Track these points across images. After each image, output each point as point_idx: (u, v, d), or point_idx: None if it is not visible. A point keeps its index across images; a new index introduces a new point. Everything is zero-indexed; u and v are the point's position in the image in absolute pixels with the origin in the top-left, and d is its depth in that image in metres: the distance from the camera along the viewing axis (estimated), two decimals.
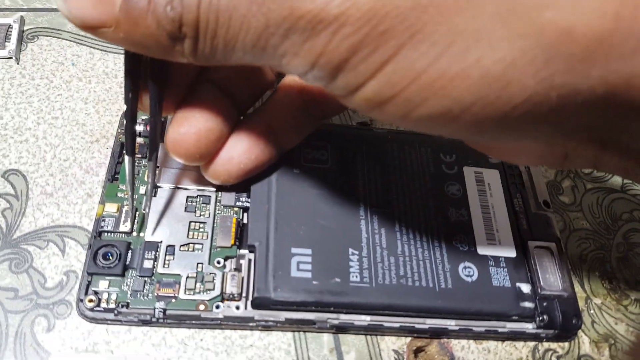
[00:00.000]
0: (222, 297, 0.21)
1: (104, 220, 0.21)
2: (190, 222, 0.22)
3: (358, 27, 0.13)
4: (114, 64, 0.28)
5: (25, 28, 0.29)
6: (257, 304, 0.21)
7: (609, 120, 0.14)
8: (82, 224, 0.23)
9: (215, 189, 0.23)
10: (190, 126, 0.19)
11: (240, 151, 0.21)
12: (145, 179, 0.23)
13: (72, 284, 0.21)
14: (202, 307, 0.20)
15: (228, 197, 0.23)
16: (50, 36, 0.29)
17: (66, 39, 0.29)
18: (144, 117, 0.25)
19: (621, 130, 0.15)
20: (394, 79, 0.13)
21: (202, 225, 0.22)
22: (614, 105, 0.14)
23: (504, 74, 0.13)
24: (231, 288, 0.21)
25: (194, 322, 0.21)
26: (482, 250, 0.24)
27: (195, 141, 0.19)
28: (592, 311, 0.25)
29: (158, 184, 0.23)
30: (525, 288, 0.23)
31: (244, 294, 0.21)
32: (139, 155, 0.23)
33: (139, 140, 0.24)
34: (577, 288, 0.26)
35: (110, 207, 0.22)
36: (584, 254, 0.27)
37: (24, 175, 0.24)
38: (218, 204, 0.23)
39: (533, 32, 0.12)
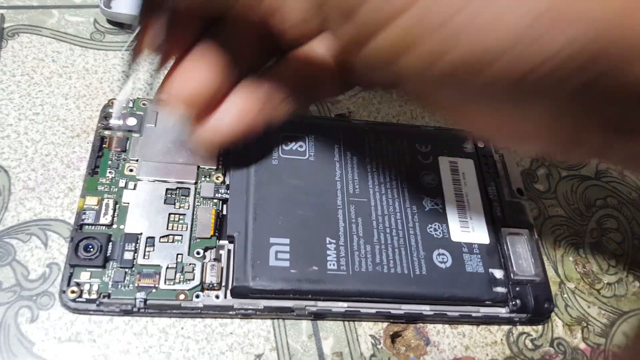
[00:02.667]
0: (202, 286, 0.21)
1: (84, 213, 0.22)
2: (169, 214, 0.22)
3: None
4: (94, 59, 0.28)
5: (5, 25, 0.29)
6: (236, 292, 0.21)
7: (631, 105, 0.14)
8: (64, 217, 0.23)
9: (194, 182, 0.24)
10: (191, 71, 0.19)
11: (234, 113, 0.20)
12: (126, 172, 0.23)
13: (54, 276, 0.22)
14: (182, 296, 0.21)
15: (207, 189, 0.23)
16: (30, 33, 0.29)
17: (46, 36, 0.29)
18: (122, 111, 0.25)
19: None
20: (419, 23, 0.12)
21: (181, 217, 0.22)
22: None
23: (535, 25, 0.12)
24: (211, 278, 0.21)
25: (174, 311, 0.21)
26: (456, 238, 0.24)
27: (193, 87, 0.19)
28: (565, 295, 0.26)
29: (138, 177, 0.23)
30: (498, 273, 0.24)
31: (223, 284, 0.22)
32: (119, 149, 0.24)
33: (118, 134, 0.24)
34: (551, 273, 0.27)
35: (91, 201, 0.22)
36: (558, 240, 0.28)
37: (6, 171, 0.24)
38: (197, 196, 0.23)
39: None
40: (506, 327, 0.25)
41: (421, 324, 0.24)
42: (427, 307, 0.23)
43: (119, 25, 0.30)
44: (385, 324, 0.23)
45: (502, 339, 0.24)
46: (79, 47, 0.29)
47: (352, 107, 0.30)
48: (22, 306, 0.21)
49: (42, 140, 0.25)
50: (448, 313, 0.23)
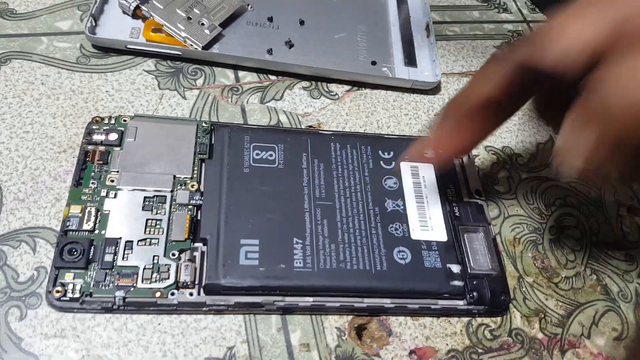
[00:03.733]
0: (177, 285, 0.23)
1: (69, 221, 0.24)
2: (147, 219, 0.24)
3: None
4: (79, 81, 0.31)
5: None
6: (209, 290, 0.23)
7: None
8: (51, 225, 0.25)
9: (170, 190, 0.26)
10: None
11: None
12: (107, 182, 0.25)
13: (42, 278, 0.23)
14: (158, 294, 0.23)
15: (182, 196, 0.25)
16: (21, 59, 0.31)
17: (36, 61, 0.31)
18: (105, 128, 0.27)
19: None
20: None
21: (158, 222, 0.24)
22: None
23: None
24: (185, 277, 0.23)
25: (151, 308, 0.23)
26: (415, 236, 0.26)
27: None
28: (524, 289, 0.28)
29: (118, 187, 0.25)
30: (455, 268, 0.26)
31: (197, 282, 0.23)
32: (101, 162, 0.26)
33: (100, 148, 0.26)
34: (510, 268, 0.28)
35: (75, 209, 0.24)
36: (517, 238, 0.30)
37: None
38: (173, 202, 0.25)
39: None
40: (465, 319, 0.26)
41: (384, 317, 0.26)
42: (388, 301, 0.25)
43: (103, 49, 0.32)
44: (350, 317, 0.25)
45: (461, 330, 0.26)
46: (66, 70, 0.31)
47: (321, 119, 0.32)
48: (11, 306, 0.23)
49: (31, 156, 0.27)
50: (408, 305, 0.25)
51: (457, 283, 0.25)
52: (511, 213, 0.31)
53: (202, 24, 0.32)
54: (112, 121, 0.28)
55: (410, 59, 0.36)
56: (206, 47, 0.32)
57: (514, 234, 0.30)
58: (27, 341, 0.22)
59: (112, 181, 0.25)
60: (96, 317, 0.23)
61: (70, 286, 0.22)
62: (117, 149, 0.27)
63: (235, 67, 0.33)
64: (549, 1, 0.41)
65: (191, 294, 0.23)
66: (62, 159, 0.27)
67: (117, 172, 0.26)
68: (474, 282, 0.26)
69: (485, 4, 0.42)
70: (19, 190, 0.26)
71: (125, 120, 0.28)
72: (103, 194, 0.25)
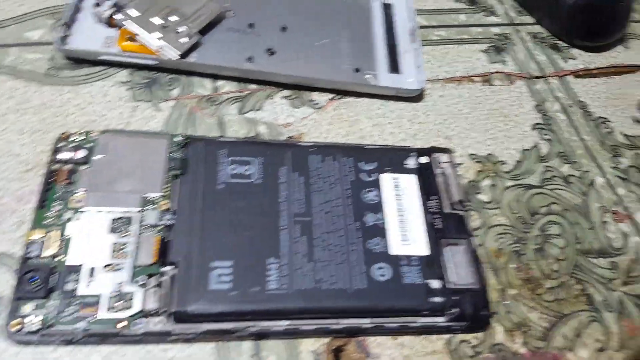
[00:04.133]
0: (143, 313, 0.22)
1: (30, 246, 0.23)
2: (113, 243, 0.23)
3: None
4: (50, 94, 0.30)
5: None
6: (177, 317, 0.22)
7: None
8: (13, 251, 0.24)
9: (139, 210, 0.25)
10: None
11: None
12: (72, 204, 0.24)
13: (1, 310, 0.22)
14: (121, 324, 0.22)
15: (152, 216, 0.25)
16: None
17: (4, 74, 0.30)
18: (72, 144, 0.26)
19: None
20: None
21: (124, 245, 0.23)
22: None
23: None
24: (152, 304, 0.22)
25: (115, 339, 0.22)
26: (395, 251, 0.25)
27: None
28: (507, 301, 0.27)
29: (83, 209, 0.24)
30: (436, 284, 0.25)
31: (164, 309, 0.22)
32: (66, 181, 0.25)
33: (67, 167, 0.25)
34: (493, 280, 0.28)
35: (38, 233, 0.23)
36: (501, 248, 0.29)
37: None
38: (142, 223, 0.24)
39: None
40: (446, 336, 0.25)
41: (363, 337, 0.25)
42: (367, 320, 0.24)
43: (76, 60, 0.31)
44: (327, 340, 0.24)
45: (442, 347, 0.25)
46: (35, 82, 0.30)
47: (303, 129, 0.31)
48: None
49: None
50: (386, 325, 0.24)
51: (436, 299, 0.25)
52: (494, 223, 0.30)
53: (179, 32, 0.31)
54: (81, 137, 0.27)
55: (394, 66, 0.35)
56: (184, 55, 0.31)
57: (498, 245, 0.29)
58: None
59: (78, 202, 0.24)
60: (58, 350, 0.22)
61: (31, 317, 0.21)
62: (85, 166, 0.26)
63: (215, 77, 0.32)
64: (536, 3, 0.40)
65: (157, 323, 0.22)
66: (28, 178, 0.26)
67: (85, 191, 0.25)
68: (455, 298, 0.25)
69: (472, 7, 0.41)
70: None
71: (94, 136, 0.27)
72: (68, 216, 0.24)
